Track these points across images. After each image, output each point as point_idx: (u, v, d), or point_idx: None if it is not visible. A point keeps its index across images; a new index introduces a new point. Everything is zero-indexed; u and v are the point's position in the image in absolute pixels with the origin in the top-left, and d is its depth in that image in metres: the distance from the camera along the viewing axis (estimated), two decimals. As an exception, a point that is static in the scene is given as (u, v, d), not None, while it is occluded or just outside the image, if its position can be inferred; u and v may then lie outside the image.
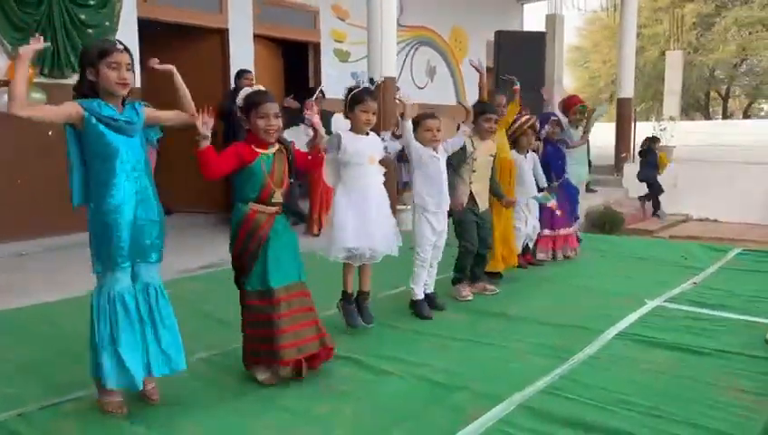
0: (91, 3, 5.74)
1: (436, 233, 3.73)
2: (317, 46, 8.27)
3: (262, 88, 2.78)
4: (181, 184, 6.86)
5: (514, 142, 4.63)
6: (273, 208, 2.71)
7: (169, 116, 2.59)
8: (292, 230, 2.79)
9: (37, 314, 3.72)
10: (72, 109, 2.35)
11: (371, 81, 3.29)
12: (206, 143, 2.56)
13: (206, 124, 2.54)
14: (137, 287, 2.46)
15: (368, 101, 3.20)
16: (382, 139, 3.37)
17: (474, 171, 4.01)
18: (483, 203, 4.08)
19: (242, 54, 7.13)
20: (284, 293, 2.67)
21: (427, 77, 10.05)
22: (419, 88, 9.76)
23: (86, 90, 2.40)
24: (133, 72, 2.45)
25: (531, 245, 5.02)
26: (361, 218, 3.17)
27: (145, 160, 2.47)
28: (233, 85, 6.41)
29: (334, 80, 7.94)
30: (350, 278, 3.38)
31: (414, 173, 3.69)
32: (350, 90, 3.24)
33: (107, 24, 5.83)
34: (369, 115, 3.22)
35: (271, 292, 2.65)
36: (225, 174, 2.64)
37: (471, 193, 4.01)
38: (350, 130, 3.24)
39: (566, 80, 15.49)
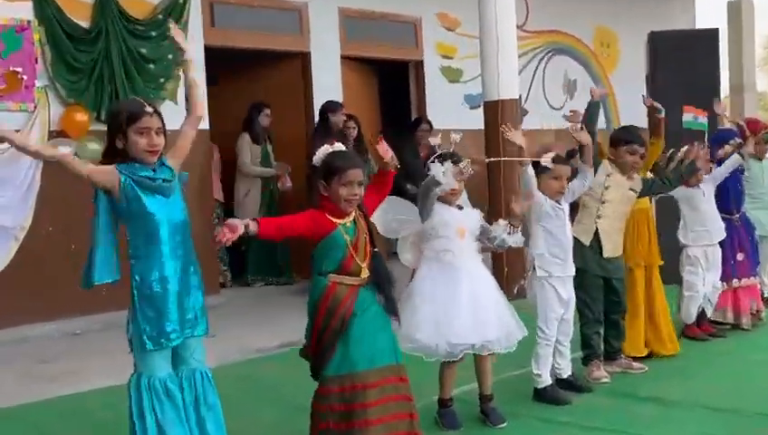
0: (153, 34, 6.29)
1: (563, 303, 3.82)
2: (419, 65, 8.52)
3: (343, 148, 2.99)
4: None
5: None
6: (357, 280, 2.88)
7: (185, 140, 2.85)
8: (380, 305, 2.92)
9: (97, 399, 4.07)
10: (110, 171, 2.65)
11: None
12: (255, 228, 2.70)
13: (233, 235, 2.64)
14: (182, 373, 2.68)
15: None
16: (493, 235, 3.46)
17: (603, 202, 4.11)
18: (613, 248, 4.12)
19: (327, 80, 7.49)
20: (375, 377, 2.79)
21: (565, 94, 10.09)
22: (555, 109, 9.79)
23: (115, 156, 2.70)
24: (164, 134, 2.72)
25: (710, 310, 4.92)
26: (443, 306, 3.28)
27: (185, 221, 2.75)
28: (318, 118, 6.76)
29: (443, 106, 8.21)
30: (449, 381, 3.47)
31: (533, 229, 3.82)
32: (440, 156, 3.36)
33: (170, 57, 6.28)
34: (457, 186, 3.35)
35: (356, 376, 2.77)
36: (296, 236, 2.86)
37: (596, 231, 4.09)
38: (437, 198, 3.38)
39: (763, 83, 14.40)
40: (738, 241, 4.97)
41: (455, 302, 3.30)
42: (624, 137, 4.21)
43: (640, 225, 4.50)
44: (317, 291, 2.86)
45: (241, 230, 2.62)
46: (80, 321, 5.87)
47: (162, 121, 2.70)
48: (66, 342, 5.58)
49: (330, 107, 6.59)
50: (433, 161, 3.36)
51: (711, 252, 4.81)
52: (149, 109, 2.68)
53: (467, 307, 3.31)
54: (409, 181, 5.53)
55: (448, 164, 3.30)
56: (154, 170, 2.68)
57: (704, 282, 4.77)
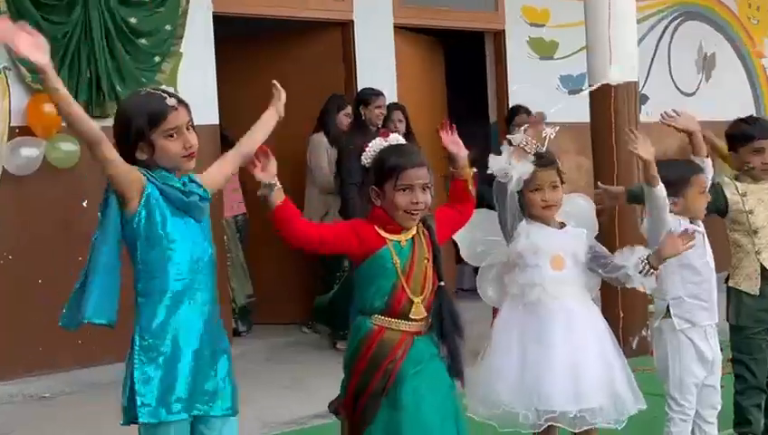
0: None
1: (706, 364, 3.81)
2: (499, 36, 8.48)
3: (402, 140, 3.03)
4: (266, 277, 7.37)
5: None
6: (412, 325, 2.92)
7: (227, 167, 2.97)
8: (442, 360, 2.97)
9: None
10: (136, 173, 2.66)
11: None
12: (278, 196, 2.82)
13: (266, 170, 2.82)
14: None
15: (542, 173, 3.37)
16: (614, 264, 3.45)
17: (755, 232, 4.15)
18: None
19: (375, 57, 7.45)
20: None
21: (699, 74, 9.94)
22: (686, 94, 9.72)
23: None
24: (193, 129, 2.76)
25: None
26: (531, 363, 3.30)
27: (212, 256, 2.78)
28: (355, 112, 6.80)
29: (531, 91, 8.03)
30: None
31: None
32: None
33: (167, 28, 6.32)
34: (549, 194, 3.39)
35: None
36: (326, 249, 3.00)
37: (762, 269, 4.15)
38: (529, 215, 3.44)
39: None
40: None
41: (546, 357, 3.32)
42: (741, 132, 4.25)
43: None
44: (357, 336, 2.91)
45: (271, 178, 2.78)
46: (47, 380, 5.83)
47: (190, 112, 2.75)
48: (30, 408, 5.52)
49: (363, 98, 6.67)
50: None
51: None
52: (173, 101, 2.71)
53: (563, 364, 3.32)
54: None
55: (510, 143, 3.33)
56: (183, 184, 2.73)
57: None
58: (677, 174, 3.80)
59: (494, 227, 3.45)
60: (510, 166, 3.28)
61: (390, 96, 7.03)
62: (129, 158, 2.67)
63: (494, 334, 3.43)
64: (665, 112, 4.13)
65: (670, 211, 3.72)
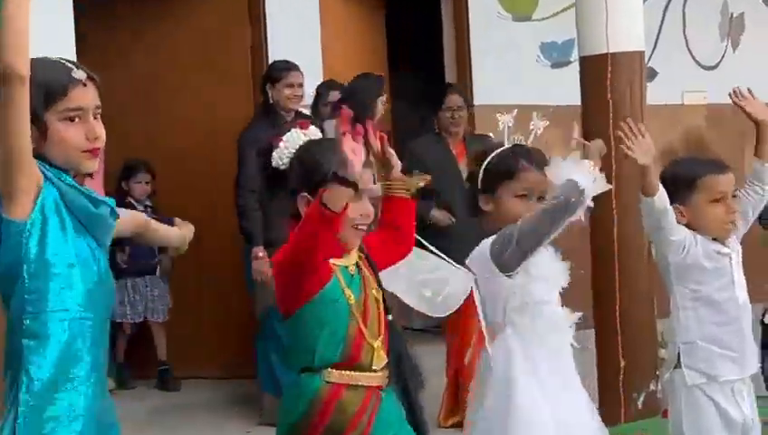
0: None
1: (735, 430, 3.88)
2: None
3: (318, 133, 3.12)
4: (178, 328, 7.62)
5: None
6: (374, 378, 3.02)
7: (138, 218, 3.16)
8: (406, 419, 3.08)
9: None
10: (35, 166, 2.59)
11: None
12: None
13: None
14: None
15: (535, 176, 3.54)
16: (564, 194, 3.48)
17: None
18: None
19: (292, 21, 7.49)
20: None
21: (723, 41, 10.10)
22: (706, 68, 9.88)
23: None
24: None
25: None
26: (558, 415, 3.44)
27: (112, 295, 2.83)
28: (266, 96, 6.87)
29: (503, 63, 8.17)
30: None
31: (675, 292, 3.95)
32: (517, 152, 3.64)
33: None
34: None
35: None
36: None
37: None
38: None
39: None
40: None
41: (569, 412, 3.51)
42: None
43: None
44: (302, 400, 2.95)
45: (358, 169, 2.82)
46: None
47: (100, 94, 2.74)
48: None
49: (269, 74, 6.77)
50: (490, 164, 3.58)
51: None
52: (80, 73, 2.68)
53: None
54: (438, 205, 5.87)
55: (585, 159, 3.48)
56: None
57: None
58: (681, 173, 3.97)
59: (430, 264, 3.61)
60: (592, 177, 3.37)
61: (314, 71, 7.07)
62: None
63: (508, 383, 3.48)
64: (737, 89, 4.23)
65: (678, 223, 3.85)
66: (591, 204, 3.43)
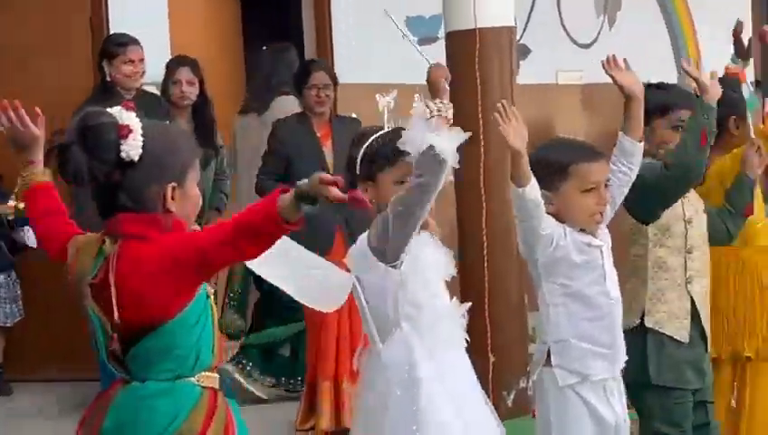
0: None
1: (606, 433, 3.91)
2: None
3: (131, 120, 2.93)
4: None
5: None
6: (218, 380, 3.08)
7: None
8: None
9: None
10: None
11: None
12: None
13: None
14: None
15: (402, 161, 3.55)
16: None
17: (689, 252, 4.44)
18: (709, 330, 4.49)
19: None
20: None
21: (599, 16, 10.26)
22: (582, 46, 10.00)
23: None
24: None
25: None
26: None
27: None
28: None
29: (364, 40, 8.23)
30: None
31: (544, 288, 3.94)
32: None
33: None
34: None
35: None
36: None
37: (692, 303, 4.42)
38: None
39: None
40: None
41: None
42: (653, 100, 4.35)
43: (736, 276, 4.87)
44: (183, 410, 2.95)
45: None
46: None
47: None
48: None
49: (106, 50, 6.55)
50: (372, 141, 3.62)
51: None
52: None
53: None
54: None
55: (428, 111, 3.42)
56: None
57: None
58: (553, 158, 3.90)
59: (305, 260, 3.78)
60: (437, 137, 3.30)
61: (161, 46, 7.02)
62: None
63: (412, 381, 3.52)
64: (612, 56, 4.22)
65: (548, 213, 3.82)
66: (457, 164, 3.38)
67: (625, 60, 4.31)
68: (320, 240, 5.34)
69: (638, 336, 4.32)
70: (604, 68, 4.19)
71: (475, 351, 5.95)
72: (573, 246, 3.86)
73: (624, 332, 4.02)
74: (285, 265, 3.64)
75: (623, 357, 3.97)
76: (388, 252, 3.47)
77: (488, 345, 5.91)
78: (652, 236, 4.36)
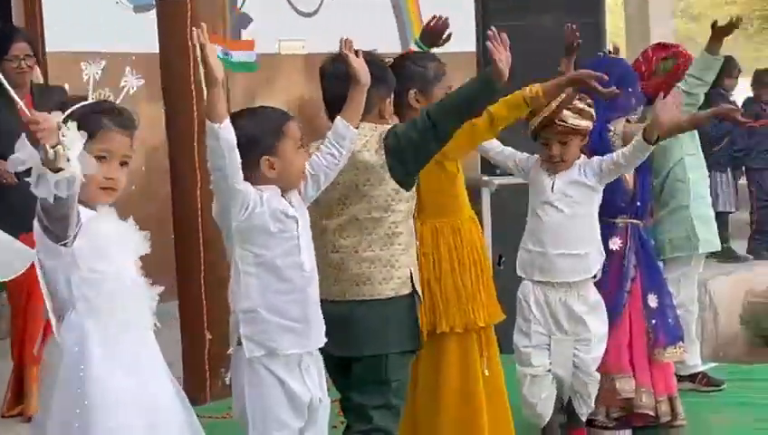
0: None
1: (300, 411, 3.98)
2: None
3: None
4: None
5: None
6: None
7: None
8: None
9: None
10: None
11: None
12: None
13: None
14: None
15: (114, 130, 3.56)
16: None
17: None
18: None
19: None
20: None
21: None
22: (304, 15, 10.15)
23: None
24: None
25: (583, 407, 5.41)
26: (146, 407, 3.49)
27: None
28: None
29: (75, 5, 7.92)
30: None
31: (237, 255, 3.98)
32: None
33: None
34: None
35: None
36: None
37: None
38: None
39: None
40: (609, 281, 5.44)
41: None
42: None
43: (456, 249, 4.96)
44: None
45: None
46: None
47: None
48: None
49: None
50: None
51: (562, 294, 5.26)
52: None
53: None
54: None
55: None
56: None
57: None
58: (263, 122, 3.98)
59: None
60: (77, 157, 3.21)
61: None
62: None
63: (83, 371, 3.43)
64: (346, 39, 4.23)
65: (269, 176, 3.89)
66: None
67: (348, 40, 4.29)
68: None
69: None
70: (341, 51, 4.19)
71: (191, 328, 5.98)
72: (270, 213, 3.90)
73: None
74: None
75: (320, 333, 4.02)
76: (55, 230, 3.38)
77: (204, 323, 6.00)
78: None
